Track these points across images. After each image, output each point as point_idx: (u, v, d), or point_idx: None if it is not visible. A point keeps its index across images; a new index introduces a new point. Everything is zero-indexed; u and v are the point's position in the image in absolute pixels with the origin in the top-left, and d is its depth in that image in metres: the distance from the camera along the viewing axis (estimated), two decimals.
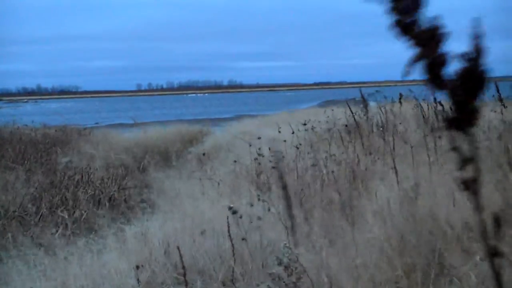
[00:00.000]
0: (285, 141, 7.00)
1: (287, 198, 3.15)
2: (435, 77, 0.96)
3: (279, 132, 8.22)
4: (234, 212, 3.73)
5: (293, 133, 7.49)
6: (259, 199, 4.59)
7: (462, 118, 0.97)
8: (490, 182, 3.54)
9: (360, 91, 9.24)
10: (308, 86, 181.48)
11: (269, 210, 4.35)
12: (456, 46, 0.96)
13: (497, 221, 1.03)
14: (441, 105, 7.37)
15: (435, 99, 7.89)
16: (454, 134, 0.97)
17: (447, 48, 0.95)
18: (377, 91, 11.48)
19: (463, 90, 0.96)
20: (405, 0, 0.94)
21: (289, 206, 3.18)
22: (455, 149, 0.97)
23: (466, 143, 0.97)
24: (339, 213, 4.18)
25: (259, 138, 7.16)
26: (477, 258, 2.83)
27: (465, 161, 0.96)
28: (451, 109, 0.98)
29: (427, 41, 0.95)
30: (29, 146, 11.86)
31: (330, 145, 6.56)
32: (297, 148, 6.32)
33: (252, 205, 4.47)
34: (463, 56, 0.95)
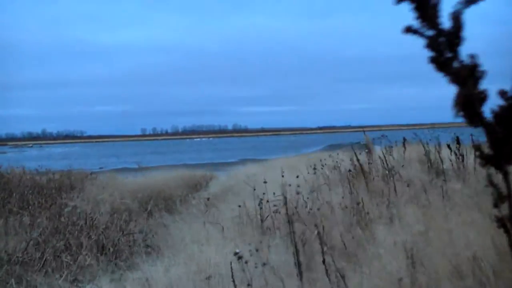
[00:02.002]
0: (289, 185, 7.01)
1: (295, 245, 3.15)
2: (473, 114, 0.97)
3: (282, 176, 8.23)
4: (240, 258, 3.73)
5: (297, 177, 7.50)
6: (260, 243, 4.57)
7: (500, 155, 0.96)
8: None
9: (365, 135, 9.33)
10: (312, 130, 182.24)
11: (275, 253, 4.33)
12: (488, 84, 0.98)
13: None
14: (449, 148, 7.40)
15: (439, 142, 7.96)
16: (490, 171, 0.98)
17: (487, 87, 0.97)
18: (383, 135, 11.55)
19: (503, 127, 0.96)
20: (442, 37, 0.98)
21: (297, 252, 3.18)
22: (492, 185, 0.97)
23: (502, 181, 0.97)
24: (344, 258, 4.16)
25: (265, 182, 7.17)
26: None
27: (501, 198, 0.97)
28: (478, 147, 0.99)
29: (466, 78, 0.96)
30: (34, 191, 11.91)
31: (334, 189, 6.57)
32: (298, 193, 6.33)
33: (257, 250, 4.45)
34: (502, 94, 0.97)
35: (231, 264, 3.54)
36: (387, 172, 7.06)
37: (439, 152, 7.48)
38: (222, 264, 4.42)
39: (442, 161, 7.06)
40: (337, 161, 9.37)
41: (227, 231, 6.21)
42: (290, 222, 3.25)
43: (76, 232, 7.84)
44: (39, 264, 6.17)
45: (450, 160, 6.96)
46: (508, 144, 0.96)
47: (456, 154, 6.86)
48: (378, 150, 9.60)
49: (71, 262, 6.18)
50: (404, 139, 9.76)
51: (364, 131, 9.16)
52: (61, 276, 5.62)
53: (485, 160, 0.97)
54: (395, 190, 5.93)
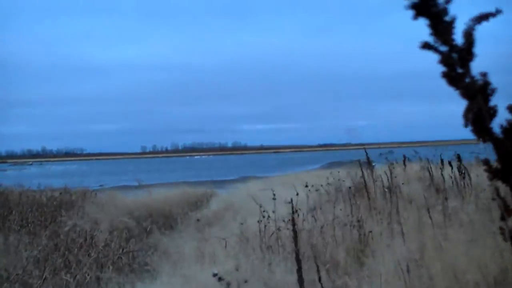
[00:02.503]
0: (290, 202, 7.00)
1: (298, 262, 3.14)
2: (482, 129, 1.01)
3: (284, 194, 8.23)
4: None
5: (297, 194, 7.50)
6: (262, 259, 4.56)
7: (508, 169, 0.99)
8: None
9: (366, 152, 9.34)
10: (313, 148, 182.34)
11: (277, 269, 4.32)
12: (497, 100, 1.02)
13: None
14: (450, 165, 7.42)
15: (441, 160, 7.97)
16: (497, 185, 1.01)
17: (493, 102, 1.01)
18: (383, 154, 11.54)
19: (511, 141, 1.00)
20: (454, 53, 1.02)
21: (299, 269, 3.16)
22: (500, 198, 0.99)
23: (510, 194, 1.00)
24: (344, 275, 4.15)
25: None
26: None
27: (508, 211, 0.99)
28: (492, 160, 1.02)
29: (476, 93, 1.00)
30: (34, 208, 11.88)
31: (335, 207, 6.57)
32: (296, 211, 6.31)
33: (258, 268, 4.45)
34: (511, 109, 1.02)
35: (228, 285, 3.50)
36: (388, 189, 7.06)
37: (441, 169, 7.49)
38: (224, 284, 4.40)
39: (444, 179, 7.08)
40: (338, 179, 9.38)
41: (228, 249, 6.19)
42: (295, 239, 3.25)
43: (76, 250, 7.82)
44: (39, 282, 6.14)
45: (451, 178, 6.98)
46: None
47: (459, 171, 6.87)
48: (379, 168, 9.61)
49: (70, 280, 6.15)
50: (405, 157, 9.79)
51: (365, 149, 9.17)
52: None
53: (493, 174, 1.00)
54: (397, 207, 5.93)
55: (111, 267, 7.35)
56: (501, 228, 0.99)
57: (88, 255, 7.54)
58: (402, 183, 7.67)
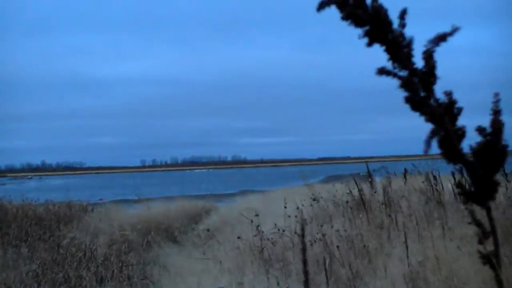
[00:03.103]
0: (289, 216, 7.00)
1: (305, 274, 3.12)
2: (451, 152, 0.96)
3: (285, 207, 8.22)
4: None
5: (297, 208, 7.50)
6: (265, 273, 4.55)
7: (481, 192, 0.96)
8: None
9: (367, 166, 9.36)
10: (312, 161, 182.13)
11: (278, 284, 4.31)
12: (465, 120, 0.99)
13: None
14: (454, 177, 7.41)
15: (434, 176, 7.97)
16: (471, 208, 0.97)
17: (463, 122, 0.97)
18: (383, 167, 11.58)
19: (482, 165, 0.95)
20: (415, 77, 0.97)
21: (306, 281, 3.15)
22: (476, 222, 0.96)
23: (485, 217, 0.97)
24: None
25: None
26: None
27: (485, 234, 0.96)
28: (463, 183, 1.00)
29: (441, 116, 0.96)
30: (33, 222, 11.86)
31: (335, 220, 6.57)
32: (302, 226, 6.31)
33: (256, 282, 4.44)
34: (481, 131, 0.97)
35: None
36: (386, 204, 7.06)
37: (442, 183, 7.49)
38: None
39: (443, 192, 7.08)
40: (336, 191, 9.37)
41: (226, 263, 6.17)
42: (303, 251, 3.24)
43: (75, 264, 7.79)
44: None
45: (450, 191, 6.98)
46: (489, 180, 0.96)
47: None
48: (378, 181, 9.61)
49: None
50: (405, 170, 9.79)
51: (366, 162, 9.20)
52: None
53: (467, 197, 0.98)
54: (396, 221, 5.93)
55: (110, 281, 7.32)
56: (479, 252, 0.98)
57: (88, 269, 7.52)
58: (403, 196, 7.67)
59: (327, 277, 4.57)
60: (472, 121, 0.99)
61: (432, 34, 1.00)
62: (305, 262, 3.24)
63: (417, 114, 0.98)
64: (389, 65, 0.99)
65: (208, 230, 9.93)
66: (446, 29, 0.99)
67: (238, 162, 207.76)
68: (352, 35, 0.98)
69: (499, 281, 0.95)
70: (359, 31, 0.99)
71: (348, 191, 8.69)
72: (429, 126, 0.97)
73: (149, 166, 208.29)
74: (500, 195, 6.50)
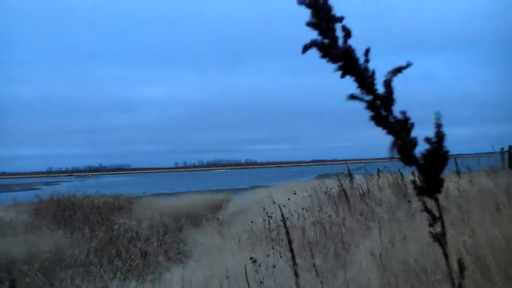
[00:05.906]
0: (287, 206, 7.05)
1: (291, 251, 3.20)
2: (407, 157, 1.00)
3: (289, 199, 8.23)
4: (255, 262, 3.77)
5: (295, 198, 7.54)
6: (273, 249, 4.61)
7: (430, 187, 1.00)
8: (451, 236, 3.55)
9: (347, 166, 9.38)
10: (307, 163, 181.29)
11: (280, 257, 4.36)
12: (419, 131, 1.01)
13: (461, 265, 1.07)
14: (413, 175, 7.43)
15: (401, 173, 7.99)
16: (424, 199, 1.03)
17: (415, 133, 0.99)
18: (361, 167, 11.57)
19: (430, 166, 0.99)
20: (378, 100, 1.00)
21: (293, 257, 3.22)
22: (426, 210, 1.00)
23: (434, 206, 1.03)
24: (334, 260, 4.20)
25: (275, 202, 7.22)
26: None
27: (434, 219, 0.99)
28: (419, 180, 1.05)
29: (399, 130, 0.99)
30: (93, 211, 11.99)
31: (325, 208, 6.60)
32: (290, 214, 6.36)
33: (268, 256, 4.50)
34: (428, 140, 1.00)
35: (245, 266, 3.59)
36: (365, 195, 7.09)
37: (406, 180, 7.49)
38: (239, 266, 4.45)
39: (408, 186, 7.08)
40: (326, 187, 9.39)
41: (241, 242, 6.23)
42: (287, 233, 3.32)
43: (125, 242, 7.89)
44: (97, 267, 6.21)
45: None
46: (436, 178, 1.00)
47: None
48: (358, 178, 9.62)
49: (121, 266, 6.22)
50: (379, 170, 9.78)
51: (346, 163, 9.23)
52: (114, 276, 5.65)
53: (420, 191, 1.04)
54: (372, 209, 5.95)
55: (152, 255, 7.41)
56: (430, 233, 1.03)
57: (134, 245, 7.62)
58: (378, 190, 7.68)
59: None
60: (422, 132, 1.03)
61: (391, 65, 1.04)
62: (287, 232, 3.29)
63: (380, 128, 1.02)
64: (358, 91, 1.02)
65: (226, 216, 9.98)
66: (402, 62, 1.03)
67: (250, 164, 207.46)
68: (330, 67, 1.04)
69: (445, 254, 1.01)
70: (334, 66, 1.03)
71: (335, 186, 8.71)
72: (390, 137, 1.03)
73: (181, 167, 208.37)
74: (455, 190, 6.51)
